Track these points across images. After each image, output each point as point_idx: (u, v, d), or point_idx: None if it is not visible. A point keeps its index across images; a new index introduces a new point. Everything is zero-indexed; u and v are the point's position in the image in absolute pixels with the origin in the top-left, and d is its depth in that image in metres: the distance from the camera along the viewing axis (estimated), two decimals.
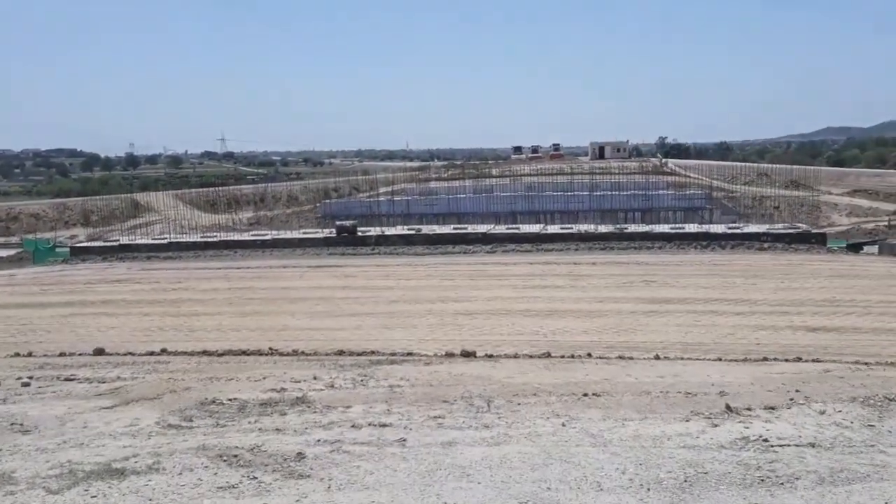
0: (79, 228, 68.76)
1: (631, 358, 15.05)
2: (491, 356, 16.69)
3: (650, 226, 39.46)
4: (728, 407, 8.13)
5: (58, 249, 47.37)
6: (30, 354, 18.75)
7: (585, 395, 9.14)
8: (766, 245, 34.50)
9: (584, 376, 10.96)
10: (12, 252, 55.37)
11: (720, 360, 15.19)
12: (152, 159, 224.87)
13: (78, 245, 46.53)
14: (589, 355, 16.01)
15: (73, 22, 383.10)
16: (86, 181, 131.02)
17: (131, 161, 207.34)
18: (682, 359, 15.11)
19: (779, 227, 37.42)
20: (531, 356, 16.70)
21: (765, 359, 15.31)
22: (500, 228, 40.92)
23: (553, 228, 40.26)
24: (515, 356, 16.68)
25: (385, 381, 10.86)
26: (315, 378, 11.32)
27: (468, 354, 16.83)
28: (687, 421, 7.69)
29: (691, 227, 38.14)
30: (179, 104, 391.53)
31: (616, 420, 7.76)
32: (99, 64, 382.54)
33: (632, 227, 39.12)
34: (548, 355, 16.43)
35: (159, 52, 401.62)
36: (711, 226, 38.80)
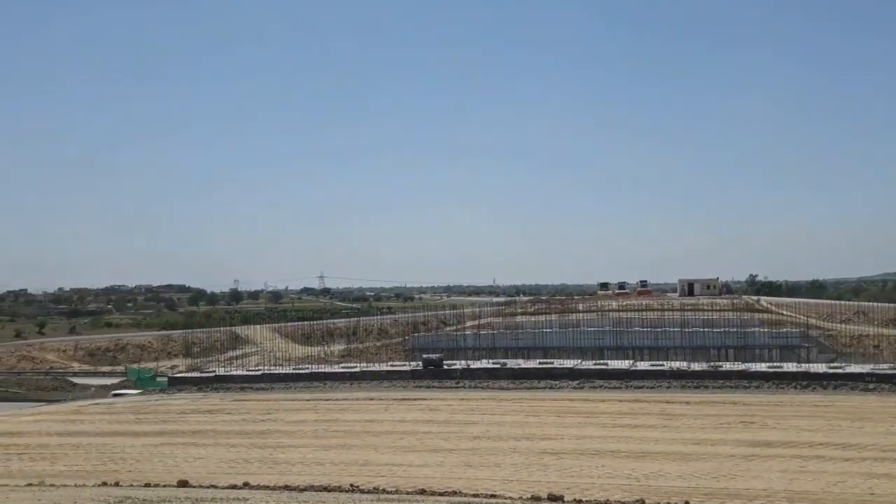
0: (180, 359, 70.58)
1: None
2: (580, 501, 15.49)
3: (746, 364, 37.33)
4: None
5: (158, 379, 48.44)
6: (116, 484, 18.55)
7: None
8: (870, 386, 31.95)
9: None
10: (116, 380, 57.09)
11: None
12: (254, 295, 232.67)
13: (176, 375, 47.39)
14: (687, 503, 14.61)
15: (183, 171, 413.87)
16: (191, 314, 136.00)
17: (235, 296, 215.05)
18: None
19: (884, 367, 34.72)
20: (623, 502, 15.40)
21: None
22: (588, 364, 39.50)
23: (643, 365, 38.60)
24: (607, 502, 15.42)
25: None
26: None
27: (555, 499, 15.64)
28: None
29: (789, 366, 35.85)
30: (282, 244, 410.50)
31: None
32: (209, 208, 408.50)
33: (726, 366, 37.10)
34: (642, 502, 15.10)
35: (264, 197, 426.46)
36: (811, 365, 36.39)
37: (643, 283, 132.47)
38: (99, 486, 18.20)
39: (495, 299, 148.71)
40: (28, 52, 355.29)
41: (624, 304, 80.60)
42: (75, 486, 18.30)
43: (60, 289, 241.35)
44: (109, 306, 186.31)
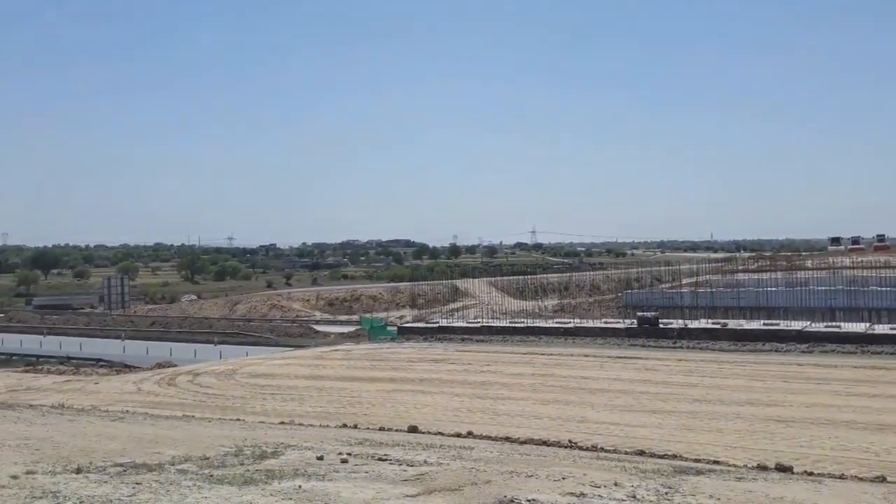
0: (407, 309, 74.44)
1: None
2: (811, 473, 14.31)
3: None
4: None
5: (388, 328, 51.35)
6: (355, 426, 19.92)
7: None
8: None
9: None
10: (352, 329, 61.44)
11: None
12: (471, 249, 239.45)
13: (405, 325, 49.92)
14: None
15: (411, 138, 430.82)
16: (416, 268, 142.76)
17: (454, 251, 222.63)
18: None
19: None
20: (861, 479, 14.03)
21: None
22: (818, 326, 36.40)
23: (881, 328, 34.87)
24: (842, 477, 14.12)
25: (693, 498, 9.48)
26: (616, 485, 10.24)
27: (784, 469, 14.60)
28: None
29: None
30: (497, 201, 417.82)
31: None
32: (434, 169, 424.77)
33: None
34: (883, 480, 13.66)
35: (479, 156, 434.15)
36: None
37: (880, 238, 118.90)
38: (340, 427, 19.63)
39: (713, 255, 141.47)
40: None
41: (858, 260, 73.08)
42: (320, 426, 19.87)
43: (304, 244, 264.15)
44: (345, 259, 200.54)
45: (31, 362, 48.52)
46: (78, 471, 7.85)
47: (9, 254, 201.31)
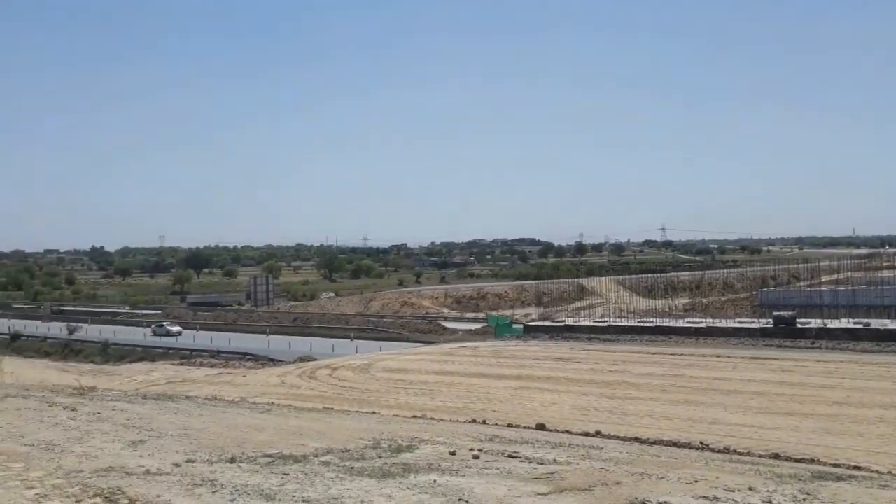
0: (532, 308, 74.03)
1: None
2: None
3: None
4: None
5: (514, 326, 51.34)
6: (484, 422, 20.07)
7: None
8: None
9: None
10: (478, 326, 61.82)
11: None
12: (598, 247, 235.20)
13: (530, 323, 49.80)
14: None
15: (534, 136, 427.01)
16: (541, 266, 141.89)
17: (580, 249, 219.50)
18: None
19: None
20: None
21: None
22: None
23: None
24: None
25: None
26: (751, 489, 9.81)
27: None
28: None
29: None
30: (625, 197, 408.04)
31: None
32: (559, 166, 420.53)
33: None
34: None
35: (605, 152, 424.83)
36: None
37: None
38: (469, 422, 19.85)
39: (855, 251, 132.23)
40: None
41: None
42: (450, 421, 20.16)
43: (433, 243, 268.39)
44: (472, 258, 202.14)
45: (186, 355, 52.03)
46: (232, 460, 8.38)
47: (165, 255, 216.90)
